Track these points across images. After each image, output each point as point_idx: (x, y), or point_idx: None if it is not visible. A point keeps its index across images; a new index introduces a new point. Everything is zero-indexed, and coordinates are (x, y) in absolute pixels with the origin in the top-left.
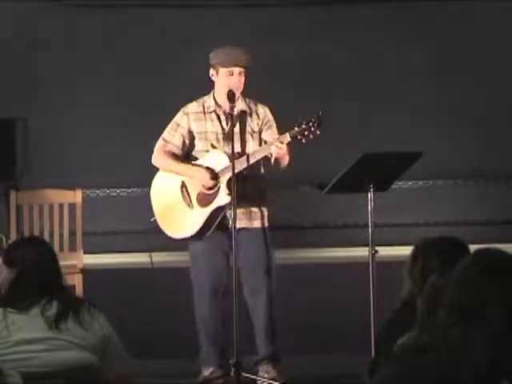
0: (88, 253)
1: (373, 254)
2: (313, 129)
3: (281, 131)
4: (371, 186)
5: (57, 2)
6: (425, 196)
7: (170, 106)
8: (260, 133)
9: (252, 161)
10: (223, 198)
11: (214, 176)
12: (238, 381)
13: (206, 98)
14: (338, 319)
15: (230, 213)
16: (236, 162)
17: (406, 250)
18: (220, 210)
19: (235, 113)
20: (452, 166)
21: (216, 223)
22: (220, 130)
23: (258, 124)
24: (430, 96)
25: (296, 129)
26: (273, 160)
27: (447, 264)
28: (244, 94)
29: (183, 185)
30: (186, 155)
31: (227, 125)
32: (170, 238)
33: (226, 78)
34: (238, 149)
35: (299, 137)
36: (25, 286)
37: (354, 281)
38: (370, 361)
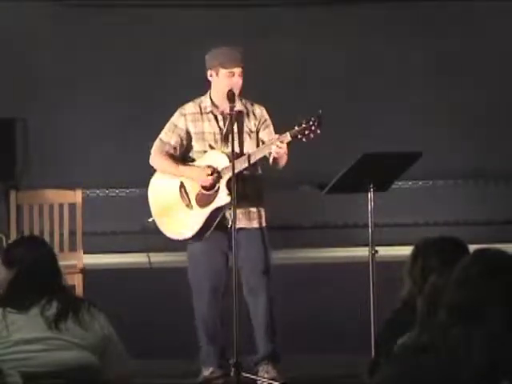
0: (88, 253)
1: (373, 254)
2: (313, 128)
3: (280, 131)
4: (371, 186)
5: (57, 2)
6: (425, 196)
7: (170, 105)
8: (257, 133)
9: (253, 160)
10: (223, 198)
11: (213, 172)
12: (238, 381)
13: (202, 98)
14: (338, 319)
15: (229, 213)
16: (236, 161)
17: (405, 250)
18: (219, 210)
19: (234, 113)
20: (452, 166)
21: (215, 223)
22: (217, 131)
23: (255, 124)
24: (430, 96)
25: (296, 128)
26: (272, 159)
27: (447, 264)
28: (240, 94)
29: (182, 185)
30: (184, 156)
31: (224, 125)
32: (169, 238)
33: (227, 79)
34: (236, 149)
35: (300, 136)
36: (23, 287)
37: (354, 281)
38: (370, 361)
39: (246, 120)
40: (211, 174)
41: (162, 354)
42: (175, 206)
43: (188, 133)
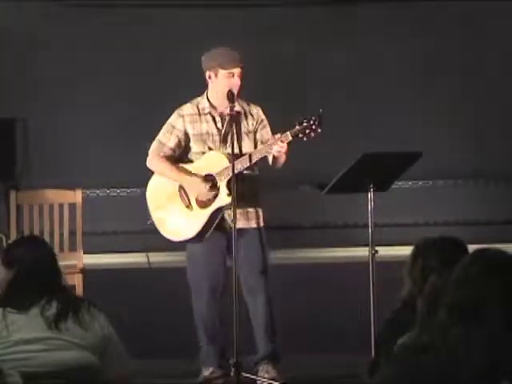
0: (88, 253)
1: (373, 254)
2: (314, 127)
3: (280, 130)
4: (371, 186)
5: (57, 2)
6: (425, 196)
7: (169, 105)
8: (255, 133)
9: (254, 160)
10: (223, 198)
11: (213, 185)
12: (238, 381)
13: (199, 99)
14: (338, 319)
15: (228, 213)
16: (237, 162)
17: (405, 250)
18: (220, 210)
19: (234, 113)
20: (452, 166)
21: (215, 224)
22: (216, 132)
23: (252, 124)
24: (430, 96)
25: (297, 127)
26: (271, 159)
27: (447, 264)
28: (239, 95)
29: (181, 186)
30: (182, 157)
31: (222, 126)
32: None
33: (227, 80)
34: (235, 149)
35: (300, 135)
36: (23, 287)
37: (354, 281)
38: (370, 361)
39: (243, 120)
40: (213, 186)
41: (162, 353)
42: (175, 206)
43: (186, 134)
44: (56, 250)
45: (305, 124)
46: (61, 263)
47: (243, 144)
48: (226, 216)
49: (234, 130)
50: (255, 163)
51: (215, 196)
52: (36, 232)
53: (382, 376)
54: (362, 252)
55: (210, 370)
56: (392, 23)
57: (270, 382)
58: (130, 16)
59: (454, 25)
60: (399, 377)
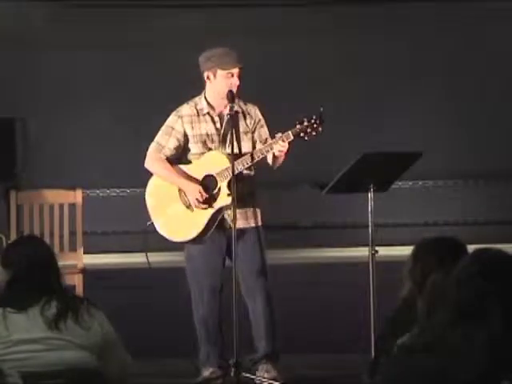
0: (88, 253)
1: (373, 254)
2: (315, 126)
3: (280, 130)
4: (371, 185)
5: (57, 2)
6: (425, 196)
7: (170, 106)
8: (252, 132)
9: (256, 160)
10: (224, 198)
11: (212, 188)
12: (238, 381)
13: (196, 99)
14: (338, 319)
15: (227, 213)
16: (238, 161)
17: (405, 250)
18: (220, 211)
19: (233, 113)
20: (452, 166)
21: (215, 224)
22: (215, 132)
23: (250, 123)
24: (431, 96)
25: (298, 126)
26: (271, 159)
27: (446, 264)
28: (237, 95)
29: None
30: (180, 158)
31: (221, 126)
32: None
33: (226, 80)
34: (235, 149)
35: (302, 134)
36: (22, 287)
37: (353, 281)
38: (370, 361)
39: (241, 120)
40: (204, 201)
41: (162, 353)
42: (175, 207)
43: (185, 135)
44: (56, 250)
45: (306, 123)
46: (61, 263)
47: (242, 144)
48: (226, 216)
49: (233, 130)
50: (255, 163)
51: (216, 196)
52: (36, 232)
53: (382, 376)
54: (362, 252)
55: (210, 370)
56: (392, 23)
57: (270, 382)
58: (129, 16)
59: (455, 25)
60: (399, 377)
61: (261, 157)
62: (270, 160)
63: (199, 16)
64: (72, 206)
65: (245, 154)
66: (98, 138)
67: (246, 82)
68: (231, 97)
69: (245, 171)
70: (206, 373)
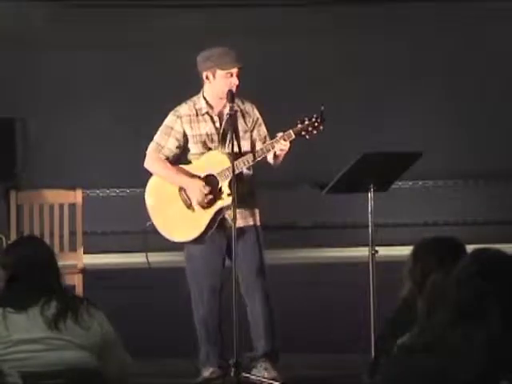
0: (88, 253)
1: (373, 254)
2: (316, 124)
3: (280, 130)
4: (371, 185)
5: (57, 2)
6: (425, 196)
7: (169, 106)
8: (251, 131)
9: (257, 159)
10: (225, 198)
11: (213, 187)
12: (238, 381)
13: (195, 99)
14: (338, 319)
15: (228, 213)
16: (239, 161)
17: (405, 250)
18: (221, 210)
19: (233, 112)
20: (452, 166)
21: (216, 224)
22: (214, 131)
23: (249, 122)
24: (431, 96)
25: (299, 125)
26: (272, 157)
27: (446, 264)
28: (237, 94)
29: (182, 187)
30: (180, 158)
31: (220, 126)
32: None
33: (226, 80)
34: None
35: (303, 133)
36: (21, 287)
37: (353, 281)
38: (370, 361)
39: (240, 119)
40: (207, 194)
41: (162, 353)
42: (176, 207)
43: (185, 135)
44: (56, 250)
45: (307, 122)
46: (61, 263)
47: (242, 143)
48: (227, 216)
49: (233, 130)
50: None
51: (216, 197)
52: (36, 232)
53: (382, 376)
54: (362, 252)
55: (210, 370)
56: (392, 23)
57: (270, 382)
58: (129, 16)
59: (454, 25)
60: (399, 377)
61: (262, 156)
62: (270, 159)
63: (199, 16)
64: (72, 205)
65: (245, 153)
66: (98, 138)
67: (246, 81)
68: (231, 97)
69: (244, 171)
70: (206, 373)
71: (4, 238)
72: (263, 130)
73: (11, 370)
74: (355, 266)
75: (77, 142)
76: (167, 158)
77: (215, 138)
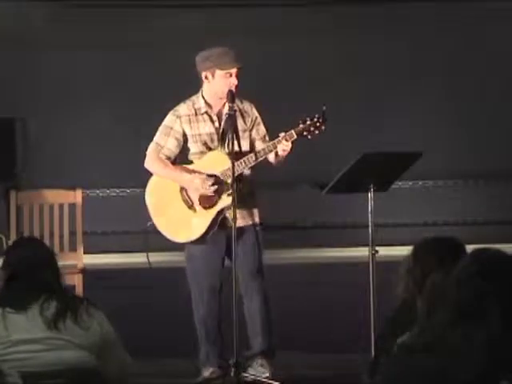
0: (88, 253)
1: (373, 254)
2: (318, 124)
3: (281, 130)
4: (371, 185)
5: (57, 2)
6: (425, 196)
7: (169, 105)
8: (250, 130)
9: (259, 159)
10: (226, 198)
11: (216, 182)
12: (238, 381)
13: (194, 98)
14: (338, 319)
15: (229, 212)
16: (241, 161)
17: (405, 250)
18: (223, 211)
19: (233, 112)
20: (452, 166)
21: (217, 224)
22: (214, 131)
23: (248, 122)
24: (431, 96)
25: (301, 125)
26: (273, 157)
27: (446, 264)
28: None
29: (183, 187)
30: (180, 158)
31: (219, 125)
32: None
33: (225, 80)
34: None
35: (305, 133)
36: (20, 287)
37: (353, 281)
38: (370, 361)
39: (239, 119)
40: (213, 184)
41: (162, 353)
42: (177, 207)
43: (185, 135)
44: (56, 250)
45: (309, 122)
46: (61, 263)
47: (241, 142)
48: (228, 215)
49: (233, 130)
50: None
51: (218, 194)
52: (36, 232)
53: (382, 376)
54: (362, 252)
55: (210, 370)
56: (392, 23)
57: (270, 382)
58: (129, 16)
59: (454, 25)
60: (399, 376)
61: (264, 156)
62: (271, 158)
63: (199, 16)
64: (72, 205)
65: (245, 153)
66: (98, 138)
67: (246, 81)
68: (231, 97)
69: (245, 171)
70: (206, 373)
71: (4, 238)
72: (262, 128)
73: (11, 370)
74: (355, 265)
75: (77, 142)
76: (168, 158)
77: (215, 137)
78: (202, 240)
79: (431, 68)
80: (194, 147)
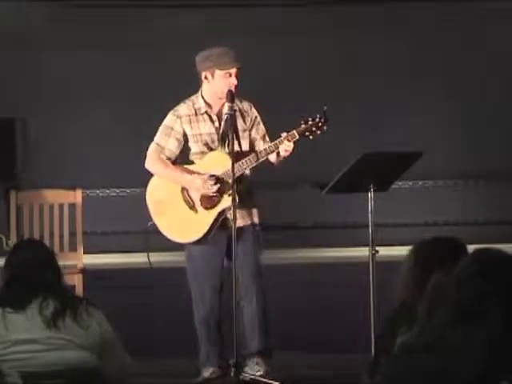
0: (88, 253)
1: (373, 254)
2: (320, 124)
3: (282, 130)
4: (371, 185)
5: (57, 2)
6: (425, 196)
7: (169, 105)
8: (250, 130)
9: (261, 159)
10: (227, 199)
11: (217, 182)
12: (238, 381)
13: (193, 98)
14: (338, 319)
15: (230, 213)
16: (242, 161)
17: (405, 250)
18: (224, 211)
19: (233, 112)
20: (452, 166)
21: (218, 224)
22: (214, 131)
23: (247, 122)
24: (431, 96)
25: (303, 126)
26: (274, 157)
27: (446, 264)
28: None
29: (184, 188)
30: (181, 159)
31: (219, 125)
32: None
33: (225, 80)
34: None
35: (307, 133)
36: (20, 287)
37: (354, 281)
38: (370, 361)
39: (239, 119)
40: (215, 183)
41: (162, 354)
42: (178, 208)
43: (185, 135)
44: (56, 250)
45: (311, 122)
46: (61, 263)
47: (242, 142)
48: (228, 215)
49: (233, 130)
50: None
51: (220, 194)
52: (36, 232)
53: (382, 376)
54: (362, 252)
55: (210, 370)
56: (392, 23)
57: (270, 382)
58: (129, 16)
59: (454, 25)
60: (399, 376)
61: (266, 157)
62: (273, 158)
63: (199, 16)
64: (72, 205)
65: (245, 152)
66: (98, 138)
67: (246, 81)
68: (231, 97)
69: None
70: (206, 373)
71: (4, 238)
72: (262, 128)
73: (11, 370)
74: (355, 265)
75: (77, 142)
76: (169, 159)
77: (215, 137)
78: (202, 240)
79: (431, 68)
80: (194, 147)
